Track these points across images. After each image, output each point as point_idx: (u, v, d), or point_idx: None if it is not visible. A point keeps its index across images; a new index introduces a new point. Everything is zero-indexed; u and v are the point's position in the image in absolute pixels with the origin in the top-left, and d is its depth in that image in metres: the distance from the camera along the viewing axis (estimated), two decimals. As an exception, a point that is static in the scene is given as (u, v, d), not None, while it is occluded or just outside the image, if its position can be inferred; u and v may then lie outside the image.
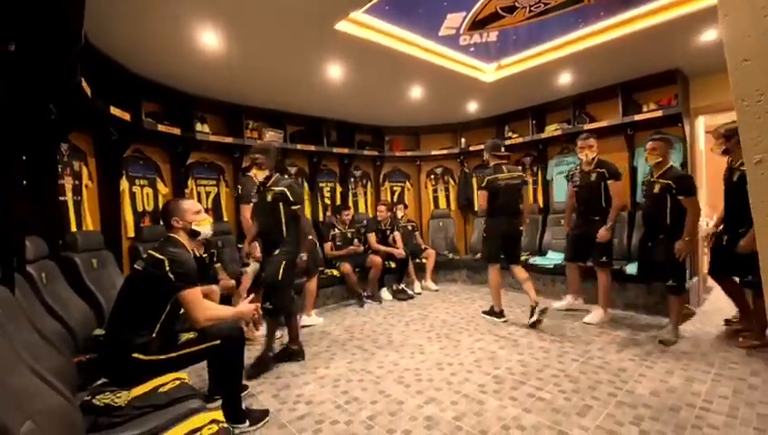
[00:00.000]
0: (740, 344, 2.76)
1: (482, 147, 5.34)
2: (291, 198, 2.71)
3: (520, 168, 4.53)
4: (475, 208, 5.58)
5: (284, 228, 2.73)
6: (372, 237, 4.69)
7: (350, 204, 5.57)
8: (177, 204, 1.99)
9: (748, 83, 0.64)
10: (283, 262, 2.65)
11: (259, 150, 2.77)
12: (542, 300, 3.51)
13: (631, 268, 3.57)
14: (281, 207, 2.72)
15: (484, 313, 3.77)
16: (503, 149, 3.68)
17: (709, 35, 3.00)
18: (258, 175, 2.77)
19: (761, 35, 0.64)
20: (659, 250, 2.93)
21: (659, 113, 3.85)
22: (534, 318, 3.31)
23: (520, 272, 3.54)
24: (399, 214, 5.24)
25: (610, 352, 2.75)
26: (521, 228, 3.63)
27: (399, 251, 4.62)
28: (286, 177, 2.89)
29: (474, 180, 5.83)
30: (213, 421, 1.29)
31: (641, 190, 3.16)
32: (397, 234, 4.82)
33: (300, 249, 2.80)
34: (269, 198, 2.72)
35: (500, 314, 3.61)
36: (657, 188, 2.90)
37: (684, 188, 2.79)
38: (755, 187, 0.65)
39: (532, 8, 2.76)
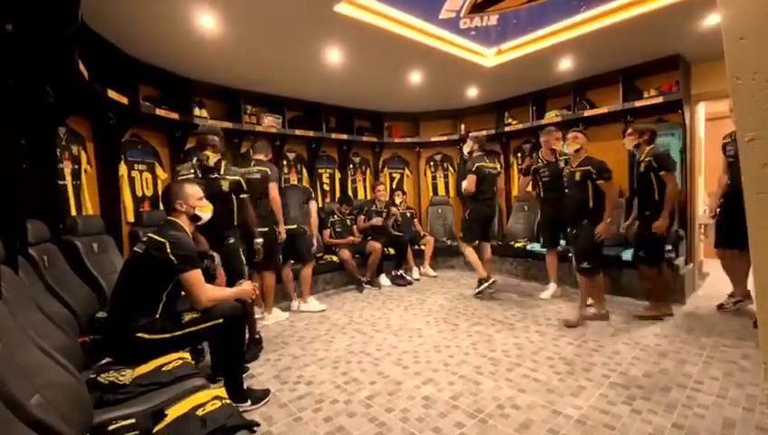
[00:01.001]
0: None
1: (483, 133, 5.37)
2: (245, 187, 2.78)
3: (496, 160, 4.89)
4: (461, 191, 5.48)
5: (235, 217, 2.78)
6: (360, 220, 4.79)
7: (350, 191, 5.58)
8: (182, 188, 2.00)
9: (744, 62, 0.65)
10: (240, 249, 2.75)
11: (213, 132, 2.74)
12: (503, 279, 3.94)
13: (627, 254, 3.61)
14: (233, 196, 2.74)
15: (476, 294, 3.97)
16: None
17: (711, 20, 2.97)
18: (211, 158, 2.69)
19: (758, 14, 0.64)
20: (583, 235, 3.09)
21: (660, 99, 3.83)
22: (481, 288, 3.87)
23: (488, 249, 4.06)
24: (398, 200, 5.25)
25: (605, 335, 2.80)
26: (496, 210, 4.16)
27: (377, 220, 4.73)
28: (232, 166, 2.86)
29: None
30: (216, 398, 1.33)
31: (564, 180, 3.30)
32: (377, 219, 4.81)
33: (255, 234, 2.95)
34: (225, 186, 2.67)
35: (487, 279, 3.90)
36: (577, 176, 3.11)
37: (601, 173, 3.02)
38: (747, 164, 0.66)
39: (533, -9, 2.72)
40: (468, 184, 3.85)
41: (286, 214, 3.49)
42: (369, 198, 5.69)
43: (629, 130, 3.23)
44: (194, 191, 2.02)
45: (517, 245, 4.70)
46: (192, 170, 2.67)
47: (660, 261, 3.17)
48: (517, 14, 3.04)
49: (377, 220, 4.73)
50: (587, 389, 2.07)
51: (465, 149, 4.13)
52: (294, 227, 3.60)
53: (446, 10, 2.94)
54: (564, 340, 2.75)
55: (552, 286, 3.91)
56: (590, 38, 3.26)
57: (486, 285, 3.85)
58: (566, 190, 3.25)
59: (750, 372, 2.18)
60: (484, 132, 4.73)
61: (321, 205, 5.13)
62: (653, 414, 1.82)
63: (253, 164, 3.34)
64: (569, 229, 3.32)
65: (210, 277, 2.96)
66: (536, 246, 4.48)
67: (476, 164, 3.84)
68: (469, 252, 3.95)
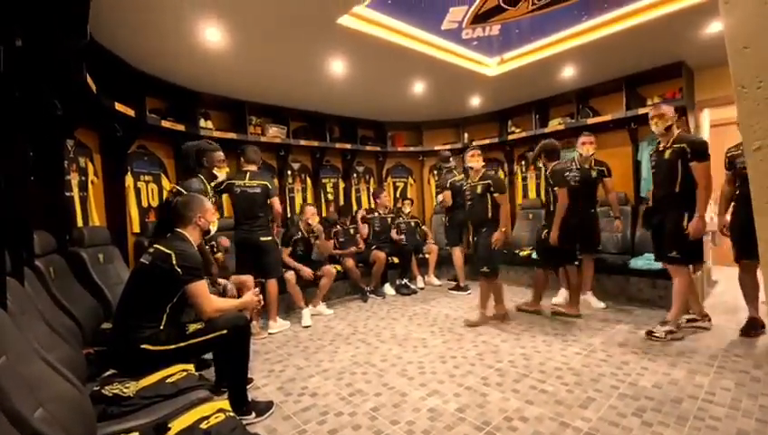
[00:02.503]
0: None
1: (486, 142, 5.41)
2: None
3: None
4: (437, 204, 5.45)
5: None
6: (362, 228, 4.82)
7: (353, 200, 5.59)
8: (201, 201, 2.02)
9: (748, 70, 0.65)
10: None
11: (216, 148, 2.86)
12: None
13: (635, 262, 3.57)
14: None
15: (452, 289, 4.55)
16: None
17: (714, 27, 2.98)
18: (221, 175, 2.88)
19: (761, 22, 0.64)
20: (482, 243, 3.28)
21: (664, 107, 3.83)
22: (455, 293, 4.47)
23: (460, 253, 4.53)
24: (406, 209, 5.23)
25: (613, 345, 2.76)
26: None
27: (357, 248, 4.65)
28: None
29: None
30: (220, 410, 1.32)
31: (467, 193, 3.50)
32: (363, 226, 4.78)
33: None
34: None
35: (465, 289, 4.46)
36: (479, 189, 3.34)
37: (497, 187, 3.26)
38: (755, 173, 0.65)
39: (534, 1, 2.75)
40: (445, 199, 4.38)
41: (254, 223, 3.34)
42: (372, 207, 5.69)
43: (661, 111, 2.73)
44: (210, 206, 2.08)
45: (523, 253, 4.65)
46: (202, 186, 2.65)
47: (699, 260, 2.91)
48: (519, 24, 3.07)
49: (358, 248, 4.65)
50: (596, 400, 2.04)
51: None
52: (269, 238, 3.39)
53: (448, 21, 2.97)
54: (571, 350, 2.71)
55: (564, 292, 3.87)
56: (593, 47, 3.28)
57: (459, 291, 4.48)
58: (469, 202, 3.50)
59: (762, 382, 2.13)
60: (447, 150, 4.92)
61: (324, 214, 5.14)
62: (664, 426, 1.78)
63: (249, 176, 3.34)
64: (471, 237, 3.59)
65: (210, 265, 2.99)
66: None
67: (449, 180, 4.40)
68: (457, 255, 4.49)
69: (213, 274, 2.67)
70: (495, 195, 3.23)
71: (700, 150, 2.62)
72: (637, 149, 4.22)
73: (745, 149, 0.66)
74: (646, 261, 3.52)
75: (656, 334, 2.79)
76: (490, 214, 3.28)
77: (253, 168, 3.42)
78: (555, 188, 3.29)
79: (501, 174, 5.33)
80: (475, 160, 3.41)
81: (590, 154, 3.53)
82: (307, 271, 3.78)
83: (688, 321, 3.03)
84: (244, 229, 3.30)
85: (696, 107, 3.94)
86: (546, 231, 3.40)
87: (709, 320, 3.00)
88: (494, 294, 3.41)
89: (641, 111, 3.96)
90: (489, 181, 3.28)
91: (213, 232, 2.11)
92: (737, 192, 2.93)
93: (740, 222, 2.95)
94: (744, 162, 2.87)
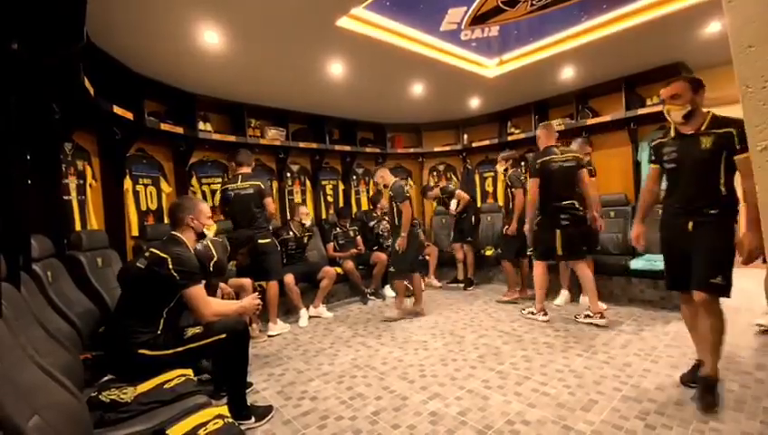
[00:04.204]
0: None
1: (486, 143, 5.41)
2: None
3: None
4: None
5: None
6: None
7: (353, 202, 5.58)
8: (197, 204, 2.01)
9: (752, 70, 0.63)
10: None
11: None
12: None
13: (635, 263, 3.56)
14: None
15: (452, 282, 4.90)
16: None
17: (713, 27, 2.97)
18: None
19: (765, 21, 0.63)
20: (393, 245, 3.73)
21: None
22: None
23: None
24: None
25: (615, 347, 2.74)
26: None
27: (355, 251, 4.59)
28: None
29: (476, 177, 5.83)
30: (218, 416, 1.30)
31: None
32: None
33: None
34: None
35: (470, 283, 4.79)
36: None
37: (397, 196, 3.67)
38: (761, 173, 0.64)
39: (533, 2, 2.74)
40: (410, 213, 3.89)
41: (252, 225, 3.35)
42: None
43: (674, 89, 1.98)
44: (206, 209, 2.04)
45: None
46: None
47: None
48: (518, 25, 3.06)
49: (358, 250, 4.62)
50: (598, 403, 2.02)
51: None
52: (268, 241, 3.40)
53: (447, 22, 2.96)
54: (573, 352, 2.69)
55: (565, 293, 3.90)
56: (592, 47, 3.27)
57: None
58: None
59: (766, 383, 2.11)
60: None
61: (324, 217, 5.13)
62: (667, 429, 1.76)
63: (241, 179, 3.37)
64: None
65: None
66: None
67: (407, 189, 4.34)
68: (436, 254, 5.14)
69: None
70: (395, 203, 3.63)
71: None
72: (636, 150, 4.21)
73: (751, 150, 0.64)
74: (646, 262, 3.51)
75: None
76: (397, 221, 3.68)
77: (245, 170, 3.44)
78: (743, 156, 2.87)
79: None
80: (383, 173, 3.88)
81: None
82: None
83: None
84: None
85: (695, 107, 3.93)
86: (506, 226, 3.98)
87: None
88: (399, 292, 3.81)
89: (641, 111, 3.96)
90: (391, 193, 3.66)
91: (209, 236, 2.08)
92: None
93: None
94: (505, 187, 2.90)
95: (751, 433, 1.69)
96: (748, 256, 1.84)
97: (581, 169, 3.30)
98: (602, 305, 3.58)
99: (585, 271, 3.29)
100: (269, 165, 4.70)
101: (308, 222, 4.05)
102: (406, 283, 3.84)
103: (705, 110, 2.03)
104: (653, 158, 2.21)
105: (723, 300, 1.94)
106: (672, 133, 2.11)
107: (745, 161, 1.80)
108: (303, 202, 5.03)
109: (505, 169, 4.08)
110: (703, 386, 1.99)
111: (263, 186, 3.38)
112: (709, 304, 1.93)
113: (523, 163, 5.26)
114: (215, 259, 2.12)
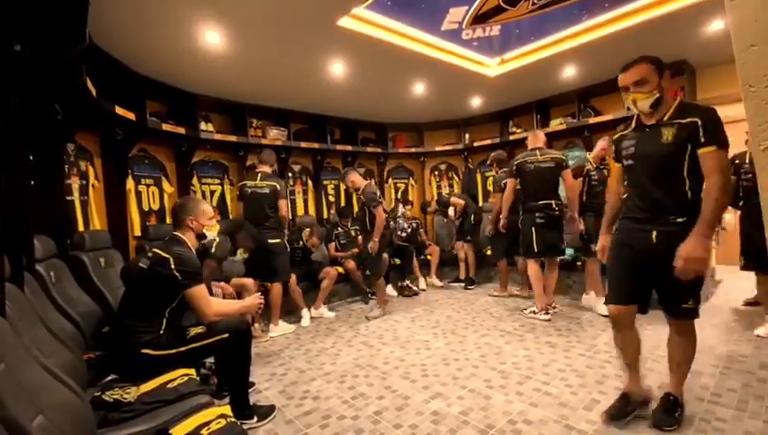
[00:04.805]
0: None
1: (487, 142, 5.40)
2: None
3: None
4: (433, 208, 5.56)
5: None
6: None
7: (354, 202, 5.57)
8: (198, 205, 2.01)
9: (755, 68, 0.63)
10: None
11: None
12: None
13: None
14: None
15: (454, 281, 4.94)
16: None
17: (716, 25, 2.96)
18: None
19: (768, 20, 0.63)
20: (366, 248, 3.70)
21: (665, 106, 3.80)
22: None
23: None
24: (400, 211, 5.16)
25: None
26: None
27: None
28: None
29: (478, 176, 5.83)
30: (221, 416, 1.31)
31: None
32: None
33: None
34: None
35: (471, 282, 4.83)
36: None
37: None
38: (764, 176, 0.64)
39: (534, 1, 2.74)
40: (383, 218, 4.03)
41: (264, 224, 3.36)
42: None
43: (638, 73, 1.69)
44: (207, 210, 2.04)
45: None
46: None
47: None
48: (519, 24, 3.05)
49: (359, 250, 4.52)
50: (601, 402, 2.01)
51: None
52: (278, 241, 3.40)
53: (448, 22, 2.96)
54: (575, 351, 2.69)
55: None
56: (594, 46, 3.26)
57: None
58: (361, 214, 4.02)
59: (769, 383, 2.11)
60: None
61: (326, 216, 5.13)
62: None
63: (260, 177, 3.37)
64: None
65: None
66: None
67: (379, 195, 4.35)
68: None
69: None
70: (367, 208, 3.71)
71: (716, 128, 1.54)
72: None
73: (753, 150, 0.64)
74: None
75: None
76: (369, 226, 3.74)
77: (265, 169, 3.47)
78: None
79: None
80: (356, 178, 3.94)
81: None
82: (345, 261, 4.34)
83: None
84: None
85: (698, 106, 3.92)
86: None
87: None
88: (379, 290, 3.92)
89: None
90: (363, 197, 3.72)
91: (210, 238, 2.08)
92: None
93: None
94: (748, 173, 2.70)
95: (753, 433, 1.68)
96: (683, 267, 1.51)
97: (564, 170, 3.38)
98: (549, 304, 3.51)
99: (534, 268, 3.44)
100: (258, 162, 4.69)
101: (309, 242, 4.03)
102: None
103: (673, 99, 1.70)
104: (614, 155, 1.92)
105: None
106: (633, 124, 1.81)
107: (709, 157, 1.52)
108: (306, 202, 5.05)
109: (495, 173, 4.27)
110: (665, 405, 1.79)
111: (278, 187, 3.40)
112: (684, 324, 1.76)
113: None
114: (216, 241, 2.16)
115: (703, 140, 1.53)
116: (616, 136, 1.91)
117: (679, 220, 1.60)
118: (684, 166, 1.60)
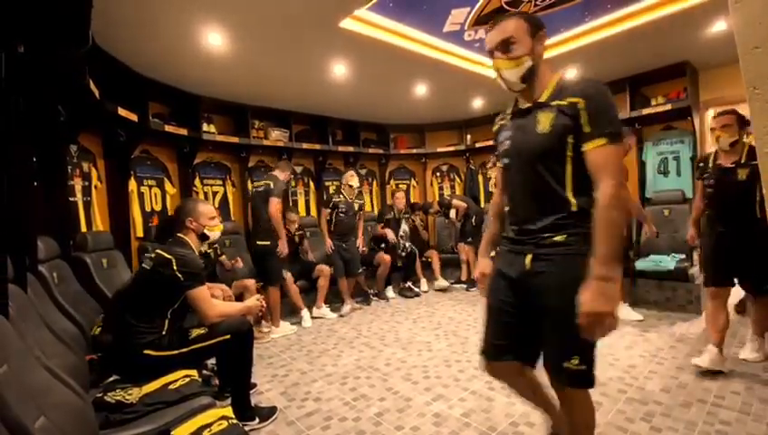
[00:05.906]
0: None
1: (489, 143, 5.39)
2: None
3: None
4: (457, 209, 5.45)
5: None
6: (378, 227, 4.83)
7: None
8: (196, 205, 2.02)
9: (759, 70, 0.63)
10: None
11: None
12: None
13: (641, 264, 3.54)
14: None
15: (456, 282, 4.89)
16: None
17: (719, 26, 2.95)
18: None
19: (772, 22, 0.62)
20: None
21: (668, 107, 3.80)
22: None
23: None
24: (402, 228, 5.11)
25: (620, 348, 2.73)
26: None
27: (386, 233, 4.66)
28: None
29: (480, 177, 5.82)
30: (223, 417, 1.30)
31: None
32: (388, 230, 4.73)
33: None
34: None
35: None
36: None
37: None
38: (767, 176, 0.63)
39: (537, 2, 2.73)
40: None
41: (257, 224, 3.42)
42: (374, 209, 5.69)
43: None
44: (206, 211, 2.04)
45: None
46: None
47: None
48: (521, 25, 3.04)
49: (390, 235, 4.64)
50: (603, 405, 2.01)
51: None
52: (267, 243, 3.34)
53: (450, 23, 2.96)
54: (577, 353, 2.68)
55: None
56: (596, 47, 3.26)
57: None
58: (343, 214, 4.10)
59: (773, 386, 2.10)
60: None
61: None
62: (673, 432, 1.75)
63: (265, 178, 3.46)
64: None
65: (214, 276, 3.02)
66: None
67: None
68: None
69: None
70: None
71: (607, 113, 1.17)
72: (641, 150, 4.19)
73: (758, 152, 0.64)
74: (651, 263, 3.48)
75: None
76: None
77: (274, 172, 3.52)
78: None
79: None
80: (353, 180, 4.09)
81: None
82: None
83: None
84: (252, 232, 3.30)
85: (700, 107, 3.91)
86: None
87: None
88: (343, 290, 4.04)
89: (645, 111, 3.93)
90: (362, 202, 3.97)
91: (213, 238, 2.09)
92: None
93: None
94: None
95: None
96: (585, 326, 1.06)
97: None
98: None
99: None
100: (273, 166, 4.71)
101: (292, 228, 3.99)
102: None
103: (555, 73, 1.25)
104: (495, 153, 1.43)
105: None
106: (509, 109, 1.36)
107: (597, 154, 1.08)
108: (308, 203, 5.06)
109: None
110: None
111: (272, 184, 3.33)
112: (571, 392, 1.25)
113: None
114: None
115: (587, 129, 1.08)
116: (495, 127, 1.43)
117: (557, 239, 1.16)
118: (566, 166, 1.14)
